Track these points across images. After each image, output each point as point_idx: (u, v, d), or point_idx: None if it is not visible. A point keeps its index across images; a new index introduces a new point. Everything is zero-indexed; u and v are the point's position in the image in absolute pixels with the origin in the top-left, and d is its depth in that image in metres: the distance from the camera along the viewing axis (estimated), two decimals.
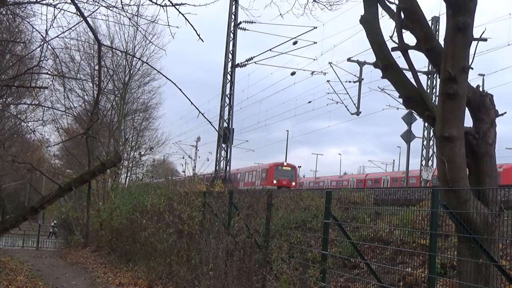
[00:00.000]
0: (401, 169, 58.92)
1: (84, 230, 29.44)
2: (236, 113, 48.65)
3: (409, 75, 7.91)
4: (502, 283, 7.23)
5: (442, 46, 7.13)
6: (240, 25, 35.91)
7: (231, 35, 36.29)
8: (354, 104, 37.07)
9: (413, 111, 12.19)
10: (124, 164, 34.84)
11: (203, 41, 6.48)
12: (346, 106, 37.56)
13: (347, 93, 37.55)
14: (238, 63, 36.68)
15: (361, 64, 36.53)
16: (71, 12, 8.96)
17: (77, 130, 30.13)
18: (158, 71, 11.20)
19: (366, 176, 61.55)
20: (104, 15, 16.05)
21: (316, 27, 33.05)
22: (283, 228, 12.82)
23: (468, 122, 7.30)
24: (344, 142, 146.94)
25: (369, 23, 8.03)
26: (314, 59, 40.41)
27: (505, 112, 7.59)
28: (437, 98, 7.51)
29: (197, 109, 5.93)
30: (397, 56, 7.91)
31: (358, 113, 37.17)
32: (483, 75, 41.06)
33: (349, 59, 36.65)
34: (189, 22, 6.40)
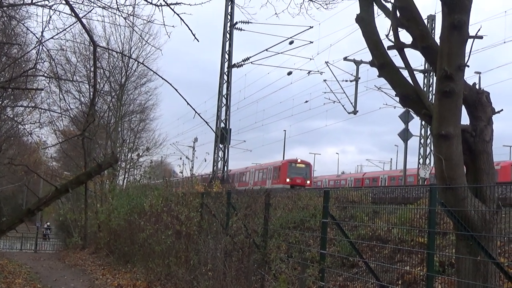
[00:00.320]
0: (399, 167, 59.00)
1: (82, 232, 29.44)
2: (233, 113, 48.16)
3: (405, 73, 7.90)
4: (501, 280, 7.23)
5: (438, 44, 7.13)
6: (236, 25, 35.91)
7: (227, 35, 36.28)
8: (351, 103, 37.09)
9: (410, 109, 12.21)
10: (122, 166, 34.85)
11: (198, 41, 6.47)
12: (343, 105, 37.59)
13: (344, 92, 37.58)
14: (234, 63, 36.66)
15: (358, 63, 36.53)
16: (66, 13, 8.95)
17: (74, 132, 30.10)
18: (155, 72, 11.22)
19: (363, 175, 61.59)
20: (100, 15, 16.01)
21: (312, 27, 33.06)
22: (282, 228, 12.83)
23: (465, 120, 7.31)
24: (341, 141, 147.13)
25: (365, 22, 8.02)
26: (311, 59, 40.39)
27: (502, 110, 7.58)
28: (433, 96, 7.50)
29: (193, 109, 5.92)
30: (394, 55, 7.90)
31: (355, 112, 37.16)
32: (479, 73, 41.13)
33: (345, 58, 36.64)
34: (184, 22, 6.39)
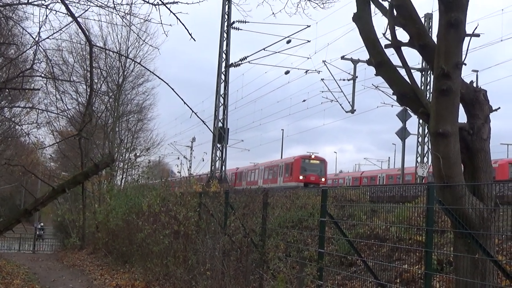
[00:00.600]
0: (397, 166, 59.05)
1: (80, 232, 29.41)
2: (230, 112, 47.92)
3: (402, 72, 7.91)
4: (499, 278, 7.23)
5: (435, 42, 7.13)
6: (234, 25, 35.88)
7: (225, 34, 36.25)
8: (349, 102, 37.10)
9: (407, 108, 12.22)
10: (120, 166, 34.81)
11: (195, 40, 6.46)
12: (340, 104, 37.60)
13: (342, 91, 37.61)
14: (232, 63, 36.63)
15: (355, 62, 36.53)
16: (63, 13, 8.92)
17: (71, 132, 30.05)
18: (152, 72, 11.18)
19: (361, 174, 61.56)
20: (97, 13, 16.02)
21: (310, 26, 32.97)
22: (280, 227, 12.82)
23: (462, 118, 7.32)
24: (339, 140, 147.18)
25: (362, 20, 8.02)
26: (308, 58, 40.52)
27: (499, 108, 7.60)
28: (431, 94, 7.50)
29: (190, 108, 5.91)
30: (391, 54, 7.91)
31: (352, 111, 37.18)
32: (477, 71, 41.19)
33: (343, 57, 36.65)
34: (180, 21, 6.39)
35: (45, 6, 8.75)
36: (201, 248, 12.92)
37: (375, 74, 8.10)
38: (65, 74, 28.22)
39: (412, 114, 29.03)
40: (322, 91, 38.89)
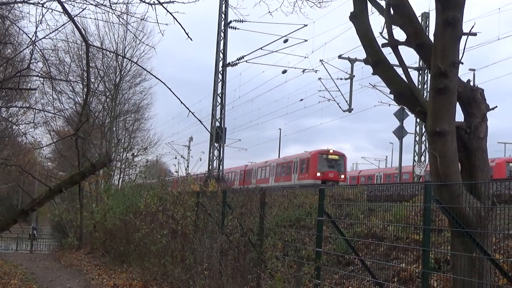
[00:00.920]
0: (394, 165, 59.06)
1: (78, 232, 29.40)
2: (228, 112, 47.45)
3: (399, 71, 7.91)
4: (496, 277, 7.24)
5: (432, 41, 7.14)
6: (231, 24, 35.87)
7: (222, 34, 36.23)
8: (346, 101, 37.13)
9: (404, 107, 12.23)
10: (117, 165, 34.77)
11: (192, 40, 6.46)
12: (338, 103, 37.63)
13: (339, 90, 37.65)
14: (229, 62, 36.61)
15: (352, 61, 36.58)
16: (59, 12, 8.91)
17: (68, 132, 30.02)
18: (148, 72, 11.21)
19: (359, 173, 61.57)
20: (93, 11, 15.96)
21: (307, 25, 32.95)
22: (277, 226, 12.82)
23: (460, 116, 7.32)
24: (337, 139, 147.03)
25: (359, 19, 8.02)
26: (305, 57, 40.24)
27: (496, 106, 7.61)
28: (428, 93, 7.51)
29: (187, 108, 5.91)
30: (388, 53, 7.92)
31: (350, 110, 37.22)
32: (474, 70, 41.28)
33: (340, 56, 36.70)
34: (177, 21, 6.38)
35: (41, 5, 8.74)
36: (198, 247, 12.91)
37: (372, 73, 8.11)
38: (62, 73, 28.19)
39: (409, 113, 29.02)
40: (320, 90, 38.95)
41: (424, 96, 8.32)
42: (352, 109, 37.20)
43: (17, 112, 23.77)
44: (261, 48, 35.91)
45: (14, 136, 28.34)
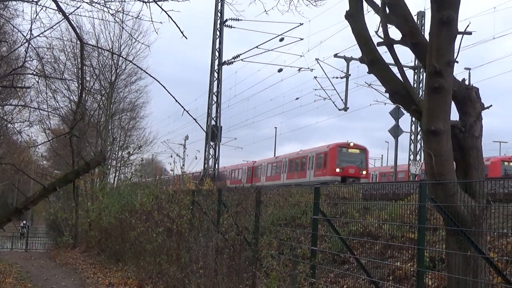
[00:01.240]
0: (390, 164, 59.21)
1: (73, 230, 29.35)
2: (224, 110, 47.36)
3: (395, 70, 7.92)
4: (490, 275, 7.26)
5: (428, 40, 7.15)
6: (226, 23, 35.86)
7: (218, 32, 36.22)
8: (342, 100, 37.18)
9: (400, 105, 12.24)
10: (112, 164, 34.73)
11: (186, 38, 6.46)
12: (333, 102, 37.64)
13: (335, 89, 37.64)
14: (225, 61, 36.63)
15: (348, 59, 36.62)
16: (53, 9, 8.87)
17: (63, 130, 29.95)
18: (143, 70, 11.22)
19: None
20: (88, 10, 15.86)
21: (302, 24, 33.01)
22: (273, 225, 12.82)
23: (454, 115, 7.34)
24: (332, 138, 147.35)
25: (355, 18, 8.03)
26: (301, 56, 40.27)
27: (491, 105, 7.63)
28: (423, 92, 7.53)
29: (182, 106, 5.90)
30: (383, 51, 7.93)
31: (345, 108, 37.27)
32: (469, 69, 41.36)
33: (335, 55, 36.73)
34: (171, 19, 6.38)
35: (35, 3, 8.70)
36: (194, 246, 12.91)
37: (367, 72, 8.12)
38: (57, 72, 28.10)
39: (405, 112, 29.11)
40: (315, 89, 38.91)
41: (420, 95, 8.33)
42: (348, 108, 37.27)
43: (12, 110, 23.68)
44: (257, 47, 35.94)
45: (9, 134, 28.24)
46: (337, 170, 38.05)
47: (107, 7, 8.62)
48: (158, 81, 6.00)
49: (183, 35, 6.46)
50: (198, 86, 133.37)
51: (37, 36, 9.74)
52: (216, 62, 36.32)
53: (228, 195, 13.99)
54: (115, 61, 33.09)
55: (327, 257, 11.44)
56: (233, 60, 36.71)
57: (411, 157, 38.28)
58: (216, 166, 36.73)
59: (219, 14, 36.10)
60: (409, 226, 9.87)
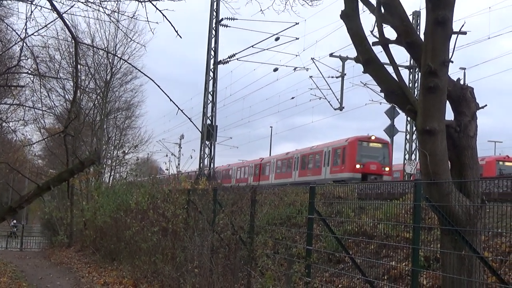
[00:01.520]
0: None
1: (68, 230, 29.30)
2: (219, 110, 47.21)
3: (390, 69, 7.93)
4: (485, 275, 7.28)
5: (423, 40, 7.16)
6: (222, 22, 35.83)
7: (213, 32, 36.19)
8: (337, 99, 37.22)
9: (395, 105, 12.25)
10: (108, 163, 34.68)
11: (181, 38, 6.44)
12: (329, 102, 37.66)
13: (330, 88, 37.68)
14: (220, 60, 36.59)
15: (344, 59, 36.66)
16: (48, 9, 8.84)
17: (58, 129, 29.88)
18: (138, 69, 11.20)
19: None
20: (83, 10, 15.79)
21: (298, 23, 33.00)
22: (268, 224, 12.83)
23: (449, 115, 7.35)
24: (328, 137, 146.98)
25: (350, 18, 8.03)
26: (297, 55, 40.30)
27: (486, 105, 7.64)
28: (419, 92, 7.54)
29: (176, 106, 5.90)
30: (379, 51, 7.93)
31: (341, 108, 37.30)
32: (464, 68, 41.44)
33: (331, 55, 36.76)
34: (166, 18, 6.37)
35: (30, 2, 8.67)
36: (189, 245, 12.90)
37: (363, 72, 8.13)
38: (52, 71, 28.02)
39: (400, 111, 29.17)
40: (311, 89, 38.93)
41: (415, 95, 8.34)
42: (343, 107, 37.29)
43: (7, 109, 23.60)
44: (252, 46, 35.92)
45: (4, 133, 28.20)
46: (357, 166, 34.52)
47: (102, 7, 8.60)
48: (153, 80, 5.99)
49: (178, 34, 6.46)
50: (193, 85, 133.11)
51: (31, 35, 9.70)
52: (212, 61, 36.29)
53: (223, 195, 13.99)
54: (110, 60, 33.05)
55: (322, 256, 11.44)
56: (228, 59, 36.69)
57: (406, 156, 38.34)
58: (212, 165, 36.69)
59: (214, 13, 36.06)
60: (404, 225, 9.90)
